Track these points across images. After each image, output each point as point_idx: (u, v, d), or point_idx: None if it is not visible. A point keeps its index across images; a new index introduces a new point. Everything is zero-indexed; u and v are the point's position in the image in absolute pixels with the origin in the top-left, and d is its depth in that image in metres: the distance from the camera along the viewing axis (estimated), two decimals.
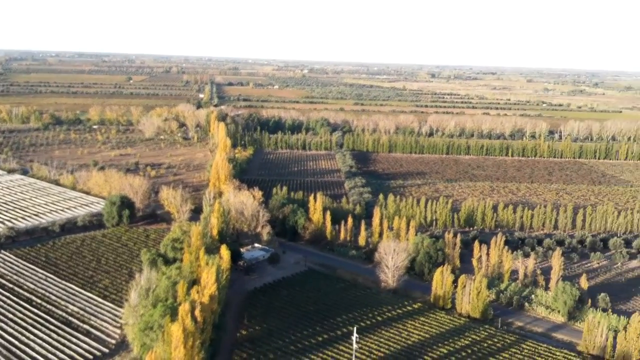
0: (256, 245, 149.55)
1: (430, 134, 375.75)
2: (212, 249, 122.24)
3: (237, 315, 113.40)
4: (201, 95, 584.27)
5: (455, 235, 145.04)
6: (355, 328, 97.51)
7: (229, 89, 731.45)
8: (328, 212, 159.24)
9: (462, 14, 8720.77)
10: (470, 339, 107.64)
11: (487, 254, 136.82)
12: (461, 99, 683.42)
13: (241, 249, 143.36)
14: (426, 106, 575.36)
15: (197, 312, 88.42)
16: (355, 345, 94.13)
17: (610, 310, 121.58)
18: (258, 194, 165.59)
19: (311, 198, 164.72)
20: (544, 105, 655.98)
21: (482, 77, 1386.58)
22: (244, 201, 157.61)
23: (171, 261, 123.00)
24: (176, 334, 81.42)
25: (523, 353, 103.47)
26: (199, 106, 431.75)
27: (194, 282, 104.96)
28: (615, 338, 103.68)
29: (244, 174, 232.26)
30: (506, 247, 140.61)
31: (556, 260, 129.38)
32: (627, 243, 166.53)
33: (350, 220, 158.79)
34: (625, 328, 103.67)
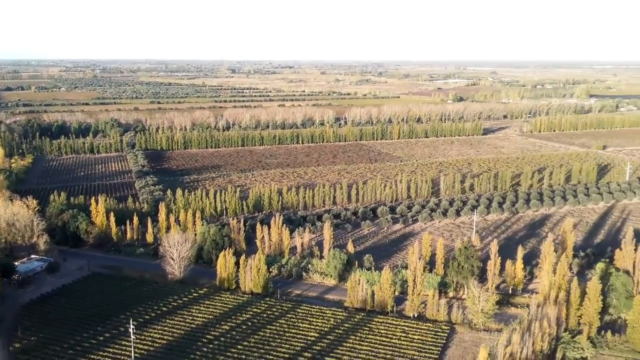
0: (33, 256, 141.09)
1: (227, 128, 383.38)
2: None
3: (11, 330, 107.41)
4: None
5: (239, 221, 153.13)
6: (131, 321, 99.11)
7: (6, 94, 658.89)
8: (112, 214, 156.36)
9: (260, 9, 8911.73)
10: (251, 313, 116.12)
11: (269, 233, 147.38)
12: (259, 93, 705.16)
13: (15, 262, 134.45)
14: (225, 101, 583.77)
15: None
16: (132, 337, 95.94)
17: (373, 268, 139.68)
18: (32, 203, 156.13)
19: (93, 201, 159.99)
20: (334, 94, 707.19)
21: (281, 71, 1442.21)
22: (16, 212, 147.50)
23: None
24: None
25: (298, 316, 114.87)
26: None
27: None
28: (373, 291, 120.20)
29: (21, 185, 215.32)
30: (288, 225, 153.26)
31: (327, 232, 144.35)
32: (392, 210, 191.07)
33: (136, 219, 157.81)
34: (380, 281, 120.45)
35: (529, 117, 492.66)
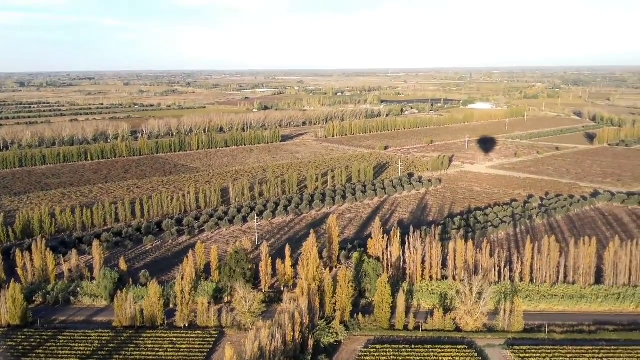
0: None
1: (6, 148, 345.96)
2: None
3: None
4: None
5: None
6: None
7: None
8: None
9: (50, 17, 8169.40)
10: (4, 347, 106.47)
11: (32, 260, 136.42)
12: (50, 107, 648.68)
13: None
14: (7, 118, 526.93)
15: None
16: None
17: (149, 283, 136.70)
18: None
19: None
20: (136, 107, 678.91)
21: (79, 82, 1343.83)
22: None
23: None
24: None
25: (59, 344, 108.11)
26: None
27: None
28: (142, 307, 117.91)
29: None
30: (62, 248, 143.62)
31: (96, 252, 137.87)
32: (180, 222, 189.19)
33: None
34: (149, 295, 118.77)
35: (325, 123, 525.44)
